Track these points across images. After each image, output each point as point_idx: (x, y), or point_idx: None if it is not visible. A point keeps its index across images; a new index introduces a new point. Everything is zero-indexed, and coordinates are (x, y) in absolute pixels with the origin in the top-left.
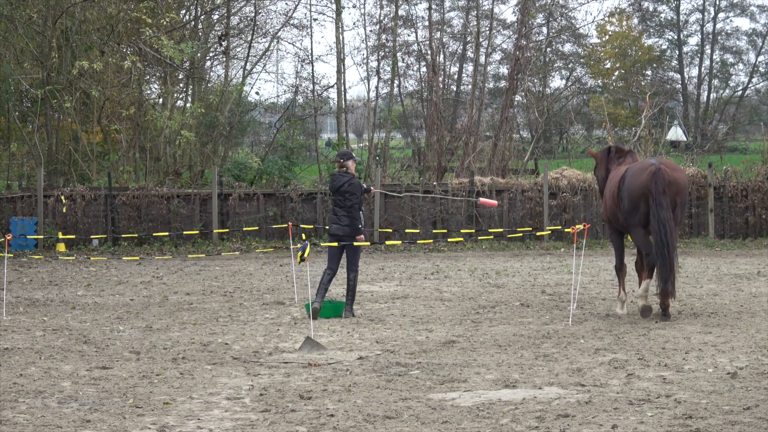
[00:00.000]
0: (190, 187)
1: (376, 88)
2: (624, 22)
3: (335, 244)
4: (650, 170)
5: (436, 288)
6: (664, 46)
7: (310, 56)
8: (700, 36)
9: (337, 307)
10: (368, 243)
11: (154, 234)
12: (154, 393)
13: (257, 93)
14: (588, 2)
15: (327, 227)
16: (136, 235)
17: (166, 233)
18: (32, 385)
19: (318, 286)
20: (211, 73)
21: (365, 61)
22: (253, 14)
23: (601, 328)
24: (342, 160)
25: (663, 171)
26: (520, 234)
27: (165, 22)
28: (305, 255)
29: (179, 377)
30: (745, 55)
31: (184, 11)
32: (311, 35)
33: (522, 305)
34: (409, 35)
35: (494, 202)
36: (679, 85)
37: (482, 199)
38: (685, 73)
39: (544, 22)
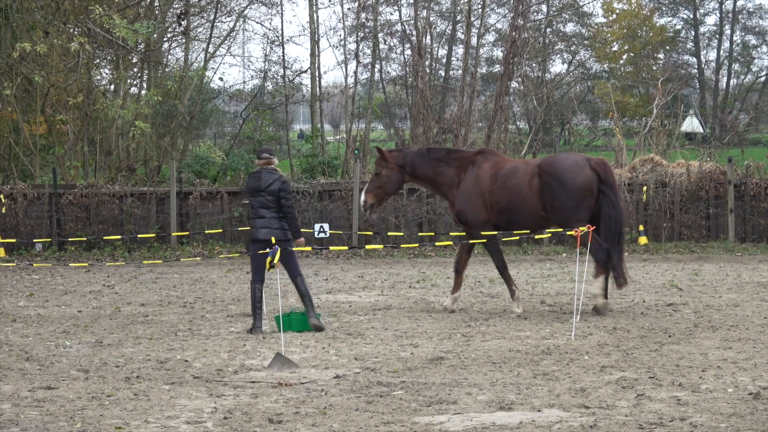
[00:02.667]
0: (145, 185)
1: (355, 73)
2: None
3: (269, 251)
4: (595, 162)
5: (422, 298)
6: (679, 27)
7: (280, 37)
8: (718, 15)
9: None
10: (310, 248)
11: (104, 237)
12: (104, 416)
13: (221, 79)
14: None
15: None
16: (85, 239)
17: (119, 236)
18: None
19: (253, 309)
20: (169, 57)
21: (342, 42)
22: None
23: (608, 343)
24: (270, 156)
25: (608, 163)
26: (517, 237)
27: None
28: (275, 261)
29: (133, 398)
30: None
31: None
32: (282, 14)
33: (519, 317)
34: (391, 14)
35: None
36: (695, 70)
37: None
38: (702, 57)
39: None
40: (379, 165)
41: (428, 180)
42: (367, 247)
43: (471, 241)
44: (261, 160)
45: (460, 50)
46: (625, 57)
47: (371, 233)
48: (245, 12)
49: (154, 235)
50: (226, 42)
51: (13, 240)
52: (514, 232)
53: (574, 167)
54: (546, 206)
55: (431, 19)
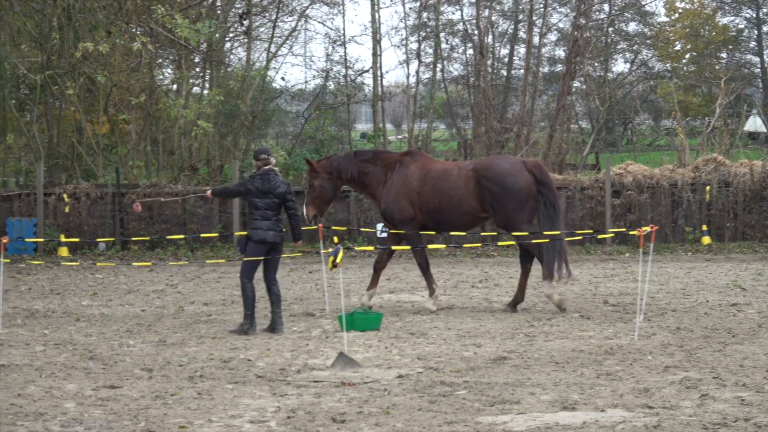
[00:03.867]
0: (207, 184)
1: (417, 72)
2: None
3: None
4: (531, 164)
5: (485, 298)
6: (741, 26)
7: (342, 37)
8: None
9: (373, 319)
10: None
11: (167, 237)
12: (168, 415)
13: (283, 78)
14: None
15: (247, 233)
16: (148, 238)
17: (182, 236)
18: (32, 406)
19: (250, 308)
20: (231, 56)
21: (404, 42)
22: None
23: (671, 343)
24: (268, 156)
25: (543, 165)
26: (580, 237)
27: None
28: (338, 260)
29: (197, 398)
30: None
31: None
32: (343, 13)
33: (582, 317)
34: (453, 13)
35: (136, 206)
36: (758, 70)
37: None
38: (765, 56)
39: None
40: (311, 176)
41: (356, 181)
42: (430, 246)
43: (395, 247)
44: (259, 161)
45: (522, 49)
46: (687, 56)
47: (433, 233)
48: (307, 11)
49: (216, 234)
50: (288, 41)
51: (77, 239)
52: (507, 235)
53: (512, 170)
54: (486, 208)
55: (493, 18)
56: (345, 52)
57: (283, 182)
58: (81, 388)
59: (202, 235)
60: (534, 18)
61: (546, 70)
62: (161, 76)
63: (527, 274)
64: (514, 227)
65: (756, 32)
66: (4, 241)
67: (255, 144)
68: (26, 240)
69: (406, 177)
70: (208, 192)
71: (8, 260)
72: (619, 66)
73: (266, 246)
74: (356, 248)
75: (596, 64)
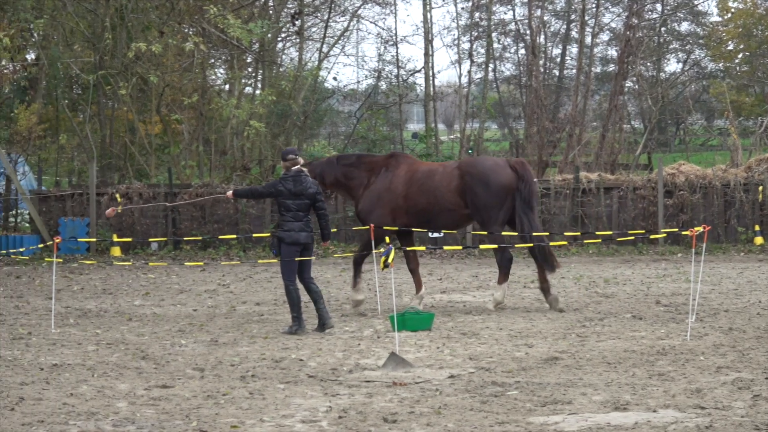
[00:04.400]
0: (260, 184)
1: (469, 72)
2: None
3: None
4: (514, 161)
5: (537, 298)
6: None
7: (394, 37)
8: None
9: (424, 319)
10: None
11: (219, 237)
12: (220, 415)
13: (335, 78)
14: None
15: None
16: (200, 238)
17: (234, 236)
18: (84, 406)
19: (298, 310)
20: (284, 57)
21: (456, 42)
22: None
23: (724, 344)
24: (295, 156)
25: (526, 162)
26: (632, 237)
27: None
28: (389, 260)
29: (248, 397)
30: None
31: None
32: (395, 13)
33: (634, 317)
34: (505, 13)
35: (110, 211)
36: None
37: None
38: None
39: None
40: None
41: (340, 185)
42: (481, 246)
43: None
44: (287, 161)
45: (574, 49)
46: (740, 56)
47: (485, 233)
48: (359, 12)
49: (269, 234)
50: (339, 42)
51: (129, 239)
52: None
53: (495, 167)
54: (468, 205)
55: (545, 18)
56: (397, 52)
57: (313, 183)
58: (133, 388)
59: (254, 234)
60: (586, 18)
61: (598, 69)
62: (213, 76)
63: (541, 265)
64: (488, 225)
65: None
66: (57, 240)
67: (307, 144)
68: (79, 240)
69: (392, 182)
70: (229, 192)
71: (61, 260)
72: (672, 66)
73: (299, 247)
74: (407, 248)
75: (648, 63)
